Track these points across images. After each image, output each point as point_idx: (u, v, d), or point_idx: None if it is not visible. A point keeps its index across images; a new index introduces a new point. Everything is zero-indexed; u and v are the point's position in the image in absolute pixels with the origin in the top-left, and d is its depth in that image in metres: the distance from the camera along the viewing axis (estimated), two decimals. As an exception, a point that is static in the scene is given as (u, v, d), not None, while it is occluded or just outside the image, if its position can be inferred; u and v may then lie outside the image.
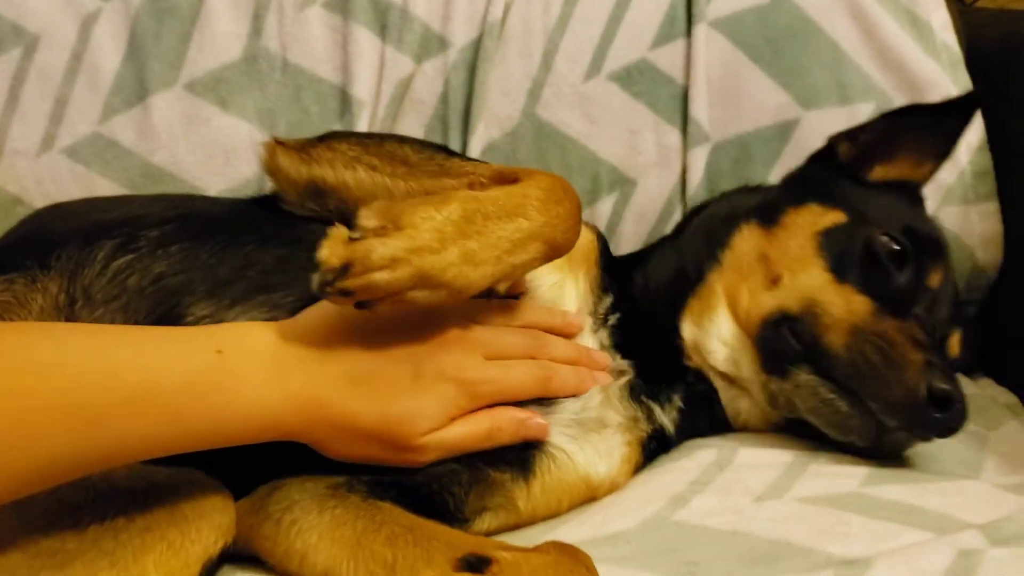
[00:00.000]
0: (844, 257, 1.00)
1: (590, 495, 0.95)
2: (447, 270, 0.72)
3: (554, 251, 0.82)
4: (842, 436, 0.95)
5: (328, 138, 0.97)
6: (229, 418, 0.71)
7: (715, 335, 1.03)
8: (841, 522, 0.81)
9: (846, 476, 0.92)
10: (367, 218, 0.72)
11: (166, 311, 0.85)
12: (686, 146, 1.35)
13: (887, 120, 1.18)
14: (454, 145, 1.32)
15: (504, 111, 1.33)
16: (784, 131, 1.34)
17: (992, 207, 1.31)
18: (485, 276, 0.75)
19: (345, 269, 0.69)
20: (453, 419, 0.82)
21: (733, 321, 1.03)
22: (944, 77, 1.33)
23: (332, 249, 0.70)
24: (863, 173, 1.16)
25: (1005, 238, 1.31)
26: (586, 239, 1.03)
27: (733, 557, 0.75)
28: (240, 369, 0.71)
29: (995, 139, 1.31)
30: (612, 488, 0.96)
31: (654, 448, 1.02)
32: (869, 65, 1.34)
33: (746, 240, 1.06)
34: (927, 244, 1.05)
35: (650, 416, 1.01)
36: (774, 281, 1.01)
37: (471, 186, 0.86)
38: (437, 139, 1.34)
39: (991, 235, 1.31)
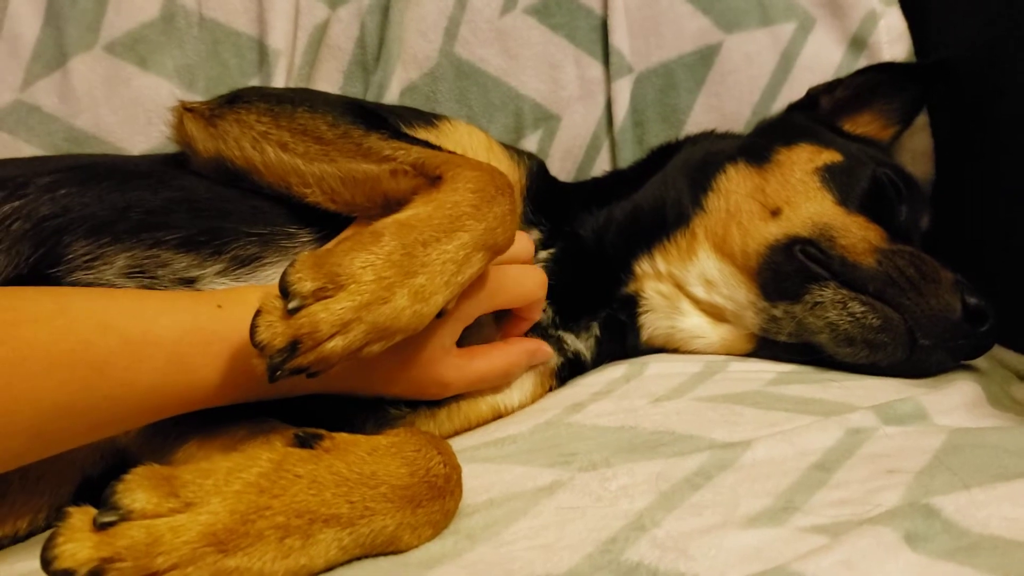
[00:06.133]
0: (850, 191, 1.02)
1: (498, 416, 0.94)
2: (400, 316, 0.67)
3: (496, 254, 0.79)
4: (867, 355, 0.93)
5: (237, 103, 0.92)
6: (235, 368, 0.69)
7: (696, 274, 1.04)
8: (733, 413, 0.80)
9: (752, 380, 0.90)
10: (300, 281, 0.63)
11: (48, 250, 0.83)
12: (609, 78, 1.33)
13: (863, 75, 1.22)
14: (373, 91, 1.31)
15: (422, 51, 1.32)
16: (707, 56, 1.32)
17: (921, 120, 1.28)
18: (438, 305, 0.71)
19: (294, 346, 0.62)
20: (473, 356, 0.86)
21: (719, 259, 1.03)
22: (868, -8, 1.30)
23: (271, 328, 0.62)
24: (837, 125, 1.20)
25: (935, 152, 1.28)
26: (511, 177, 1.01)
27: (613, 447, 0.74)
28: (241, 320, 0.67)
29: (921, 51, 1.29)
30: (521, 406, 0.95)
31: (567, 374, 1.01)
32: (790, -17, 1.31)
33: (733, 179, 1.06)
34: (917, 188, 1.09)
35: (560, 347, 1.01)
36: (774, 213, 1.01)
37: (393, 174, 0.81)
38: (357, 85, 1.33)
39: (921, 149, 1.28)
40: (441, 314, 0.72)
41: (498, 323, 0.94)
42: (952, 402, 0.82)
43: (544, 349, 0.95)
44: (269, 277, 0.84)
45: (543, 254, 1.03)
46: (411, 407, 0.89)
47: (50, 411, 0.62)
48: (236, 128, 0.89)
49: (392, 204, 0.81)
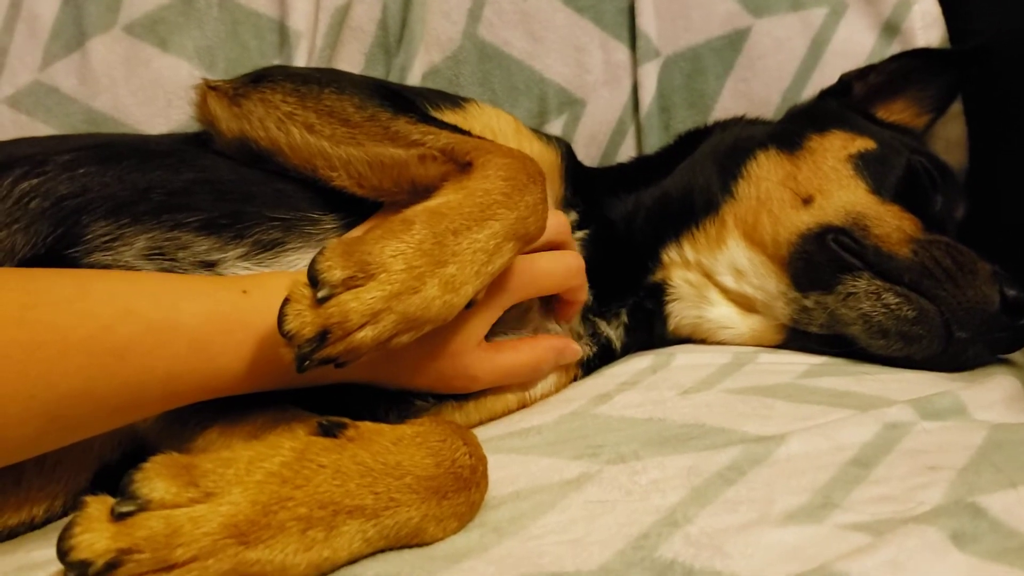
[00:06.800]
0: (884, 179, 0.99)
1: (524, 405, 0.92)
2: (431, 307, 0.66)
3: (527, 243, 0.77)
4: (901, 347, 0.90)
5: (263, 82, 0.90)
6: (259, 356, 0.68)
7: (725, 263, 1.01)
8: (765, 406, 0.78)
9: (784, 372, 0.88)
10: (330, 270, 0.62)
11: (67, 230, 0.81)
12: (636, 62, 1.30)
13: (896, 62, 1.19)
14: (395, 74, 1.29)
15: (445, 34, 1.30)
16: (735, 41, 1.29)
17: (955, 108, 1.25)
18: (468, 295, 0.69)
19: (323, 336, 0.61)
20: (500, 349, 0.84)
21: (748, 248, 1.01)
22: (902, -24, 1.27)
23: (300, 317, 0.61)
24: (870, 112, 1.17)
25: (969, 140, 1.25)
26: (549, 158, 1.00)
27: (642, 439, 0.72)
28: (266, 307, 0.66)
29: (956, 37, 1.25)
30: (545, 396, 0.93)
31: (594, 362, 0.99)
32: (821, -33, 1.28)
33: (764, 166, 1.04)
34: (952, 176, 1.06)
35: (594, 332, 0.99)
36: (806, 201, 0.99)
37: (421, 160, 0.79)
38: (379, 68, 1.31)
39: (954, 138, 1.25)
40: (471, 304, 0.71)
41: (547, 307, 0.93)
42: (991, 397, 0.79)
43: (572, 347, 0.92)
44: (292, 262, 0.83)
45: (579, 234, 1.01)
46: (437, 399, 0.87)
47: (67, 396, 0.60)
48: (261, 108, 0.87)
49: (420, 190, 0.79)
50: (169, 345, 0.64)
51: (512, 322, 0.90)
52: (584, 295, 0.93)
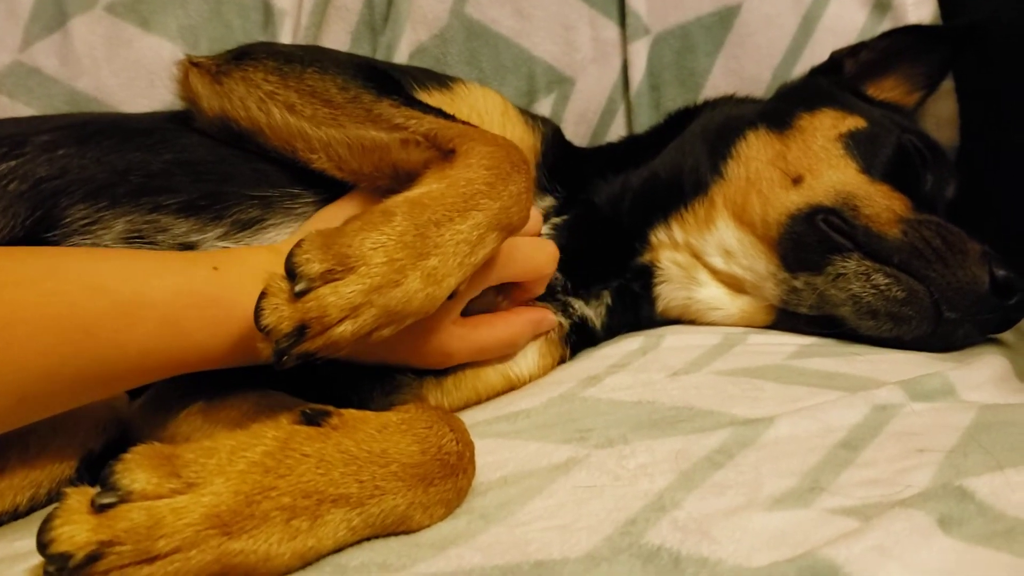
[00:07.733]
0: (874, 158, 0.99)
1: (509, 387, 0.92)
2: (412, 300, 0.64)
3: (510, 233, 0.76)
4: (891, 328, 0.90)
5: (245, 59, 0.88)
6: (231, 332, 0.67)
7: (714, 244, 1.01)
8: (754, 388, 0.77)
9: (773, 353, 0.88)
10: (309, 263, 0.60)
11: (45, 213, 0.80)
12: (625, 40, 1.29)
13: (888, 39, 1.19)
14: (381, 53, 1.27)
15: (432, 11, 1.28)
16: (726, 18, 1.28)
17: (946, 85, 1.24)
18: (450, 287, 0.68)
19: (301, 331, 0.60)
20: (477, 325, 0.84)
21: (738, 228, 1.00)
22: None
23: (277, 311, 0.59)
24: (860, 90, 1.16)
25: (960, 118, 1.24)
26: (527, 144, 0.99)
27: (631, 423, 0.71)
28: (238, 283, 0.65)
29: (947, 14, 1.24)
30: (532, 379, 0.93)
31: (575, 342, 0.98)
32: (813, -59, 1.27)
33: (753, 146, 1.03)
34: (943, 155, 1.06)
35: (566, 311, 0.98)
36: (796, 181, 0.98)
37: (403, 144, 0.78)
38: (365, 47, 1.29)
39: (945, 116, 1.24)
40: (453, 295, 0.70)
41: (500, 291, 0.91)
42: (980, 377, 0.79)
43: (549, 318, 0.93)
44: (272, 239, 0.82)
45: (555, 220, 1.00)
46: (417, 374, 0.87)
47: (37, 374, 0.60)
48: (242, 87, 0.85)
49: (402, 176, 0.78)
50: (140, 322, 0.63)
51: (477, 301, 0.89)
52: (543, 289, 0.92)
